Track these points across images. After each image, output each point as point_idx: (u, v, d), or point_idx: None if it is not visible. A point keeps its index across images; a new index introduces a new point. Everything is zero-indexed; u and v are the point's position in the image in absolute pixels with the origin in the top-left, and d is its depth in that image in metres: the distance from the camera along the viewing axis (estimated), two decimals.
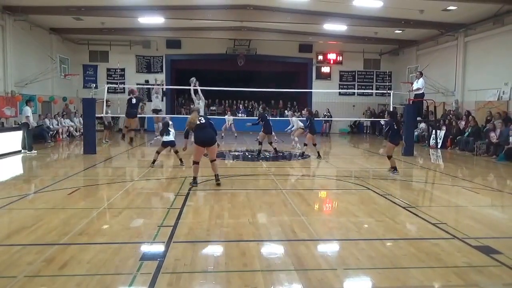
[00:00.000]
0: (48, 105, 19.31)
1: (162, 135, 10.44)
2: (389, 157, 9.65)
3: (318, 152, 12.35)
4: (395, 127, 9.49)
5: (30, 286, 3.49)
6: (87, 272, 3.75)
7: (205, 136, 7.71)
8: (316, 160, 12.00)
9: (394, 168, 9.56)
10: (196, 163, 7.77)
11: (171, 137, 10.25)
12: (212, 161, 7.92)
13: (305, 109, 13.81)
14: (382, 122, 21.66)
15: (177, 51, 23.35)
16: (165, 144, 10.33)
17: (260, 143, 12.61)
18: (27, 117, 12.72)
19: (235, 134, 18.05)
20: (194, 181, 7.78)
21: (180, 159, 10.38)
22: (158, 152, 10.34)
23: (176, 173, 9.40)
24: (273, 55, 23.53)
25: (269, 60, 23.97)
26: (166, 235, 4.82)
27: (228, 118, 18.19)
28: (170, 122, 10.73)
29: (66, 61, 18.96)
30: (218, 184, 7.75)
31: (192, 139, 9.58)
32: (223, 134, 17.62)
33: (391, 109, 12.93)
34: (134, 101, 12.26)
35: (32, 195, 7.16)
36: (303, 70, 24.82)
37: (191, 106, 12.83)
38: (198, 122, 7.72)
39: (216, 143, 7.97)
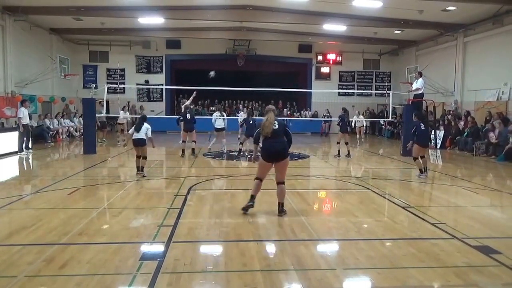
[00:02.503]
0: (48, 105, 19.31)
1: (133, 132, 8.78)
2: (415, 159, 9.15)
3: (348, 151, 12.50)
4: (422, 128, 9.02)
5: (30, 286, 3.50)
6: (87, 272, 3.75)
7: (275, 147, 5.76)
8: (316, 160, 11.99)
9: (420, 171, 9.08)
10: (259, 179, 5.92)
11: (141, 135, 8.64)
12: (278, 183, 5.85)
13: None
14: (382, 122, 21.76)
15: (177, 51, 23.34)
16: (134, 143, 8.75)
17: (241, 143, 12.82)
18: (19, 118, 12.48)
19: (239, 136, 17.99)
20: (251, 200, 5.82)
21: (142, 167, 8.80)
22: (137, 156, 8.88)
23: (176, 173, 9.40)
24: (273, 55, 23.53)
25: (269, 60, 23.96)
26: (166, 235, 4.82)
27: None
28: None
29: (66, 61, 18.96)
30: (281, 215, 5.74)
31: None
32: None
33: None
34: (188, 116, 12.13)
35: (32, 195, 7.16)
36: (303, 70, 24.84)
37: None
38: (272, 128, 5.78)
39: (287, 157, 5.84)
